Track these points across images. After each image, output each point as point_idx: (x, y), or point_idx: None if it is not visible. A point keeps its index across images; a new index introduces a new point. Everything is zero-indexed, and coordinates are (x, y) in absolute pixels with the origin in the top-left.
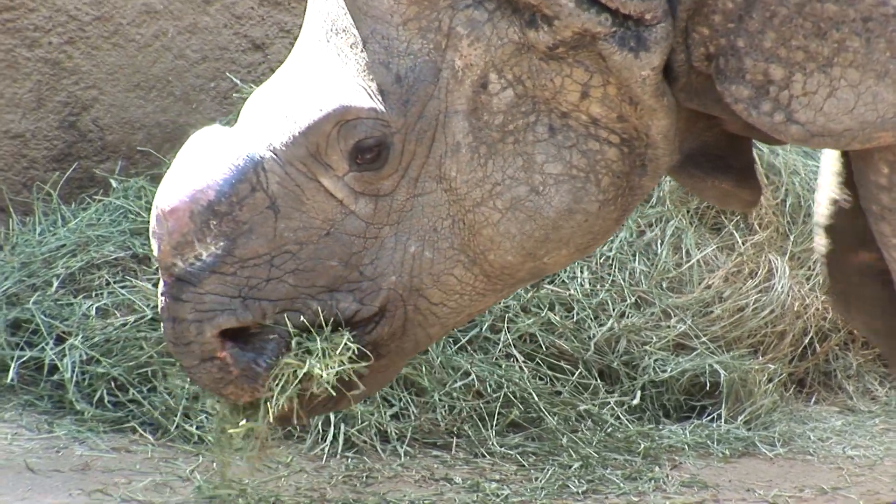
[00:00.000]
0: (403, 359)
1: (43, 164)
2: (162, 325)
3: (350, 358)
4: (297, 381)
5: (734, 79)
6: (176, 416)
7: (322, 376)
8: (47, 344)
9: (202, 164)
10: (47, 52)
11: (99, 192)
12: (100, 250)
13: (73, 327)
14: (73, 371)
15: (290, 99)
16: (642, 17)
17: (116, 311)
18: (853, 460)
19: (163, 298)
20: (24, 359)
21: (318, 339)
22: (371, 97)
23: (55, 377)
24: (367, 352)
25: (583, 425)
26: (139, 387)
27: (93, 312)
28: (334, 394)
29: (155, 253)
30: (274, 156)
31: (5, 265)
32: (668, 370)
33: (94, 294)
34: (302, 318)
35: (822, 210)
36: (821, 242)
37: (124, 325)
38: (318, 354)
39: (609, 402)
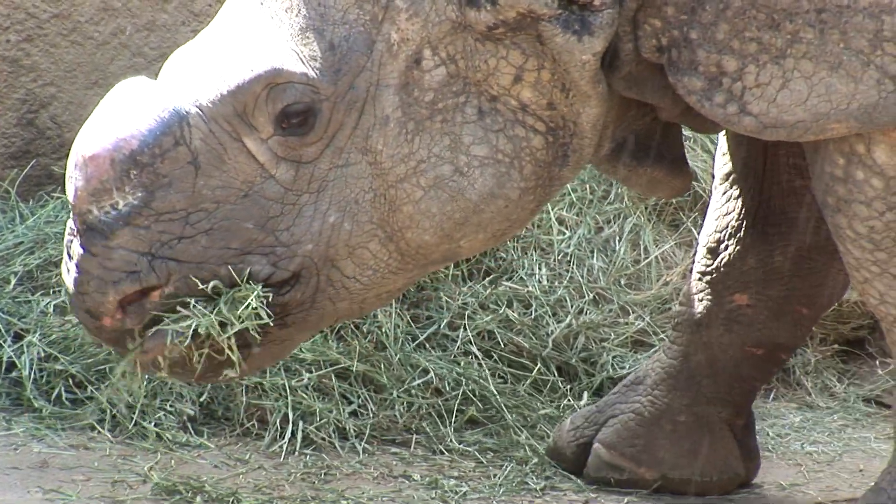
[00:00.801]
0: (304, 333)
1: (1, 161)
2: (63, 259)
3: (255, 314)
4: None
5: (687, 70)
6: (134, 413)
7: (225, 327)
8: (5, 341)
9: (126, 113)
10: (5, 49)
11: (57, 190)
12: (58, 248)
13: (31, 324)
14: (30, 368)
15: (219, 57)
16: (590, 2)
17: None
18: (812, 456)
19: (71, 239)
20: None
21: (224, 295)
22: (303, 62)
23: (13, 374)
24: (269, 312)
25: (541, 422)
26: (97, 384)
27: (51, 310)
28: (227, 348)
29: (70, 198)
30: (200, 112)
31: None
32: (627, 367)
33: (52, 291)
34: (206, 286)
35: (709, 232)
36: (702, 263)
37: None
38: (225, 303)
39: (567, 398)
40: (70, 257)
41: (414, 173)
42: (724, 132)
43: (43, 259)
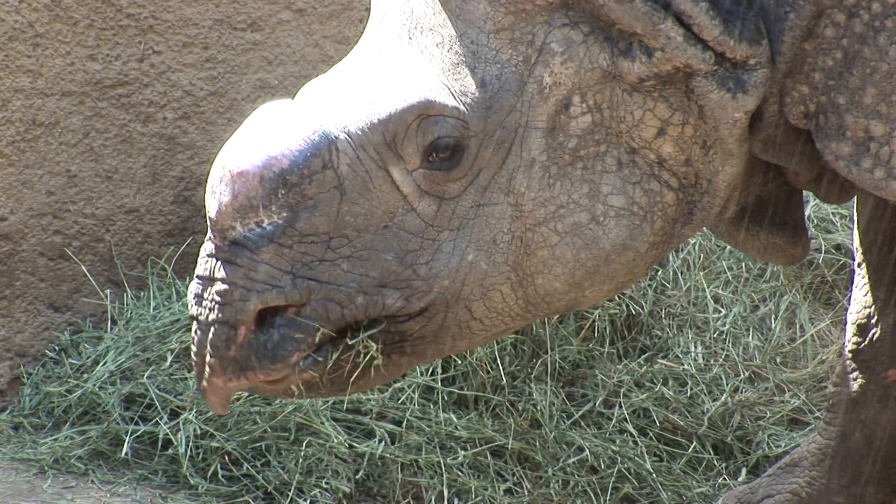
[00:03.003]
0: (419, 363)
1: (157, 238)
2: (192, 285)
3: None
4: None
5: (834, 136)
6: (290, 490)
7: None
8: (161, 418)
9: (274, 133)
10: (162, 127)
11: None
12: None
13: (187, 402)
14: (186, 445)
15: (367, 86)
16: (745, 60)
17: None
18: None
19: (209, 259)
20: (139, 433)
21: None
22: (454, 97)
23: (169, 452)
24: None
25: (696, 500)
26: (253, 461)
27: None
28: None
29: (212, 213)
30: (348, 137)
31: (119, 340)
32: (783, 445)
33: None
34: (343, 311)
35: (857, 309)
36: (853, 341)
37: (238, 399)
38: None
39: (722, 476)
40: (205, 279)
41: (552, 218)
42: (855, 206)
43: None
